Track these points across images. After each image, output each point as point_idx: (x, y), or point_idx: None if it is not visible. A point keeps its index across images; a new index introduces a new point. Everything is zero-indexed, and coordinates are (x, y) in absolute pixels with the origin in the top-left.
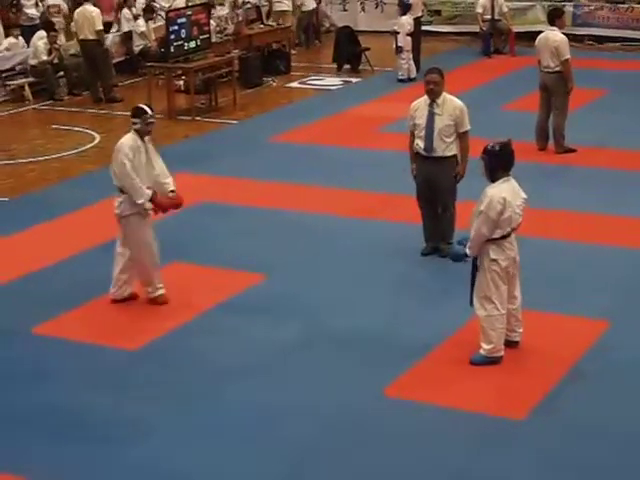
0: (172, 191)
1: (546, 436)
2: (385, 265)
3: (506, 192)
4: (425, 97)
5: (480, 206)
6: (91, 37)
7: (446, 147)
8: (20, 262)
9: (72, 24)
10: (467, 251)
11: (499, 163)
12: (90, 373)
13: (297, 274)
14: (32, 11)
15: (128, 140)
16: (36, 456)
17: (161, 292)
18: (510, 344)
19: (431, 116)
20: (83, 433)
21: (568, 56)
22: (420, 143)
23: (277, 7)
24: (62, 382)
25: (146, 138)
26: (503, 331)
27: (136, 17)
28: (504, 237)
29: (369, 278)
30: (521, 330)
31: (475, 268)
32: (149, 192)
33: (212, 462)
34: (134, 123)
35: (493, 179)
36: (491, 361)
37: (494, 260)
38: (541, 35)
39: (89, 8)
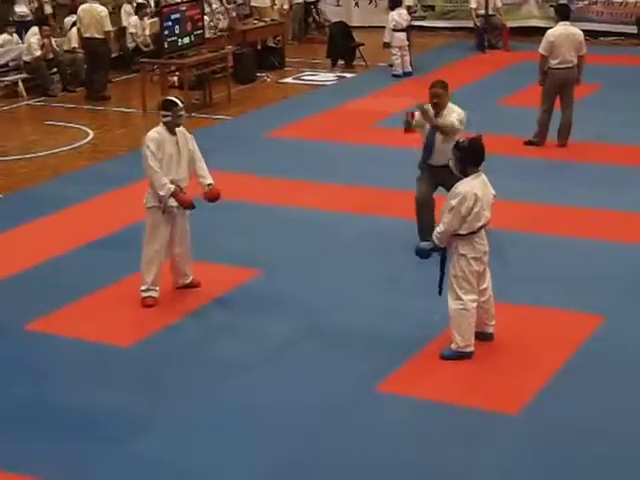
0: (209, 184)
1: (539, 431)
2: (380, 260)
3: (478, 189)
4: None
5: (452, 201)
6: (98, 36)
7: (449, 155)
8: (13, 259)
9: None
10: (435, 241)
11: (469, 158)
12: (84, 370)
13: (292, 270)
14: (22, 9)
15: (153, 133)
16: (34, 454)
17: (151, 294)
18: (485, 337)
19: (432, 131)
20: (80, 430)
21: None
22: (424, 154)
23: (253, 2)
24: (57, 379)
25: (179, 131)
26: (472, 326)
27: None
28: (474, 233)
29: (364, 274)
30: (493, 322)
31: (444, 259)
32: (171, 187)
33: (210, 457)
34: (164, 116)
35: (464, 174)
36: (461, 356)
37: (463, 255)
38: (559, 30)
39: (97, 7)
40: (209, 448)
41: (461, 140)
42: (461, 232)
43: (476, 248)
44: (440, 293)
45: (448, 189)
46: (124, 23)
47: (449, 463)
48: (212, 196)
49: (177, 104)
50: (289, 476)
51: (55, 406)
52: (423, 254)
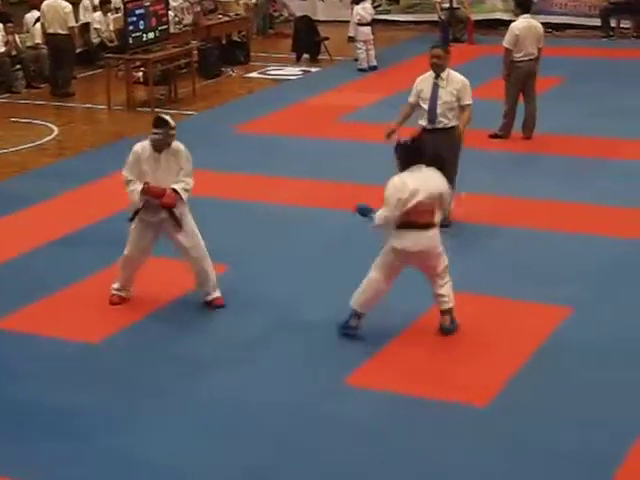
0: (172, 189)
1: (508, 423)
2: (349, 255)
3: (409, 178)
4: (430, 72)
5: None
6: (61, 32)
7: (449, 118)
8: None
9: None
10: (375, 220)
11: (408, 157)
12: (53, 367)
13: (260, 265)
14: None
15: (137, 146)
16: (6, 454)
17: (118, 293)
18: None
19: (435, 89)
20: (53, 428)
21: None
22: (424, 115)
23: None
24: (27, 377)
25: (172, 149)
26: (372, 297)
27: (95, 8)
28: (406, 227)
29: (334, 268)
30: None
31: None
32: (137, 187)
33: (182, 453)
34: (154, 133)
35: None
36: (354, 315)
37: (391, 245)
38: (522, 24)
39: (61, 3)
40: (181, 444)
41: (402, 139)
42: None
43: (403, 243)
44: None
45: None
46: (81, 18)
47: (418, 456)
48: (163, 202)
49: (169, 123)
50: (261, 472)
51: (27, 404)
52: (364, 213)
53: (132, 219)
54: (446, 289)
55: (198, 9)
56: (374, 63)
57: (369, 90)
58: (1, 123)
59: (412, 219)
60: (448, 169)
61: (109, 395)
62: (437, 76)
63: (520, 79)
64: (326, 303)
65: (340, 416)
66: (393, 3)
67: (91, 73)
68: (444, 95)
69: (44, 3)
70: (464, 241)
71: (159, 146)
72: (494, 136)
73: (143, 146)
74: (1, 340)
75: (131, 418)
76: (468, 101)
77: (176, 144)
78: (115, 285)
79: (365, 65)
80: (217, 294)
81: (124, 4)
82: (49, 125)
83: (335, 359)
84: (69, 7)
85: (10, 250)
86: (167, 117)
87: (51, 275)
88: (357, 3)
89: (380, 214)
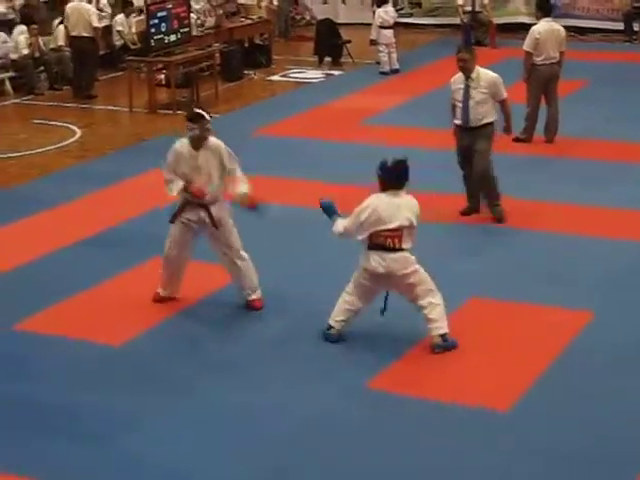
0: (242, 193)
1: (529, 428)
2: None
3: (381, 202)
4: (460, 73)
5: (357, 208)
6: (85, 34)
7: (482, 117)
8: (1, 258)
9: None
10: (335, 228)
11: (390, 179)
12: (74, 369)
13: (280, 268)
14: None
15: (177, 143)
16: (23, 453)
17: (159, 291)
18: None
19: (467, 90)
20: (68, 428)
21: None
22: (458, 115)
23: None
24: (47, 379)
25: (209, 146)
26: (348, 318)
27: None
28: (373, 249)
29: (350, 270)
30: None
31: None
32: (178, 185)
33: (198, 456)
34: (190, 129)
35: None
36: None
37: (361, 265)
38: (543, 27)
39: (85, 5)
40: (197, 447)
41: (385, 160)
42: (357, 237)
43: (372, 266)
44: (382, 313)
45: (474, 151)
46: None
47: (439, 461)
48: (246, 205)
49: (204, 117)
50: (281, 474)
51: (44, 405)
52: (326, 211)
53: (172, 220)
54: (435, 313)
55: (220, 12)
56: (396, 66)
57: (391, 93)
58: (24, 125)
59: (379, 242)
60: (481, 159)
61: (126, 397)
62: (467, 77)
63: (541, 82)
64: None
65: (361, 420)
66: (415, 6)
67: (113, 75)
68: (476, 95)
69: (68, 5)
70: (484, 244)
71: (197, 142)
72: (516, 140)
73: (182, 143)
74: (22, 342)
75: (147, 420)
76: (503, 95)
77: (214, 140)
78: (160, 284)
79: (387, 68)
80: (255, 296)
81: (146, 6)
82: (71, 127)
83: (356, 362)
84: (92, 9)
85: (33, 251)
86: (201, 111)
87: (73, 277)
88: (380, 6)
89: (340, 223)
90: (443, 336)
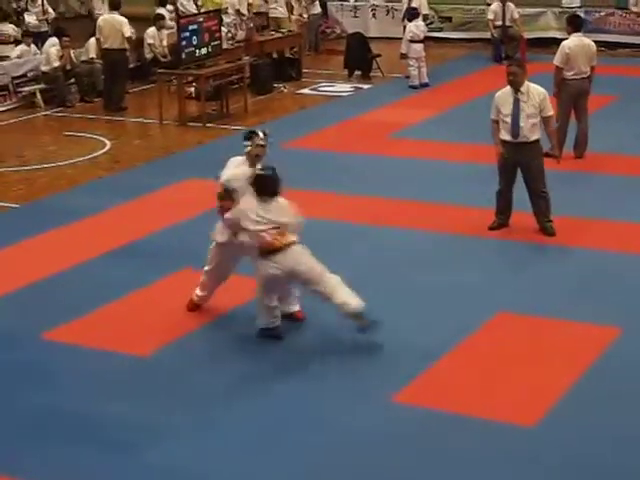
0: None
1: (556, 443)
2: (396, 271)
3: (251, 205)
4: (508, 87)
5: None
6: (116, 47)
7: (532, 132)
8: (31, 269)
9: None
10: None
11: (260, 188)
12: (102, 379)
13: None
14: (31, 20)
15: (233, 161)
16: (49, 461)
17: (193, 298)
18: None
19: (517, 103)
20: (96, 439)
21: None
22: (506, 130)
23: (272, 13)
24: (75, 388)
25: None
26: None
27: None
28: (267, 254)
29: (380, 284)
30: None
31: None
32: (231, 184)
33: (224, 470)
34: (245, 146)
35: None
36: (269, 335)
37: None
38: (574, 42)
39: (117, 17)
40: (223, 460)
41: (259, 168)
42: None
43: (270, 269)
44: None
45: (528, 169)
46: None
47: (466, 475)
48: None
49: (257, 134)
50: None
51: (73, 415)
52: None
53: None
54: (339, 297)
55: (251, 25)
56: (426, 80)
57: (420, 107)
58: (55, 137)
59: (265, 247)
60: (537, 180)
61: (155, 407)
62: (517, 91)
63: (571, 97)
64: (372, 320)
65: (386, 433)
66: (446, 21)
67: (144, 88)
68: (527, 108)
69: (100, 18)
70: (512, 260)
71: (252, 159)
72: (545, 155)
73: (240, 161)
74: (51, 351)
75: (176, 430)
76: (550, 112)
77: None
78: (199, 287)
79: (417, 82)
80: (296, 307)
81: (177, 20)
82: (101, 139)
83: (382, 376)
84: (125, 20)
85: (63, 262)
86: (256, 129)
87: (103, 287)
88: (410, 20)
89: (232, 211)
90: (360, 317)
